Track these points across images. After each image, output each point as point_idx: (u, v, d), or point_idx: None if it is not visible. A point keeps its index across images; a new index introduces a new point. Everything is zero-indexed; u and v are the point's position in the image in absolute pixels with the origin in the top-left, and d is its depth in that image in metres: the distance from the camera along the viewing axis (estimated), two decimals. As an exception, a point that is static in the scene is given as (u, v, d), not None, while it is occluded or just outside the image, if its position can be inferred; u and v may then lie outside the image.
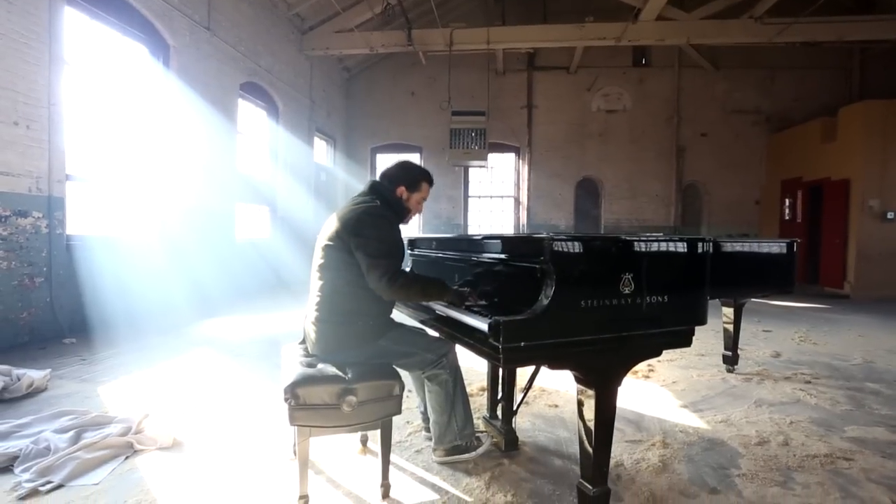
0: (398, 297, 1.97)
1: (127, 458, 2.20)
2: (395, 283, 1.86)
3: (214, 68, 6.65)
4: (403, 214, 2.15)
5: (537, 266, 1.62)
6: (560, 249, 1.55)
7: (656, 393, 3.24)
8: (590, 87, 11.02)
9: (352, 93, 11.63)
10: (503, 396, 2.42)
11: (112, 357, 3.90)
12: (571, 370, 1.68)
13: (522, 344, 1.51)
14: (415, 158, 11.63)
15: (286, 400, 1.72)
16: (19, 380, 2.97)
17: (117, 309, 4.98)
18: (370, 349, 1.96)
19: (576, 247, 1.58)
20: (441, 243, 2.55)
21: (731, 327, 3.59)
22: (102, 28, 5.15)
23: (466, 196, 11.65)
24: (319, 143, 10.45)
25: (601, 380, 1.69)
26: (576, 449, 2.38)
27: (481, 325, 1.64)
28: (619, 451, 2.34)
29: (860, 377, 3.63)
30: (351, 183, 11.52)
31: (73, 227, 4.71)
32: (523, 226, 11.35)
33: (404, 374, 2.05)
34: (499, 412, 2.51)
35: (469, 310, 1.86)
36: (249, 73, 7.50)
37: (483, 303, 1.98)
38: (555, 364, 1.63)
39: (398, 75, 11.40)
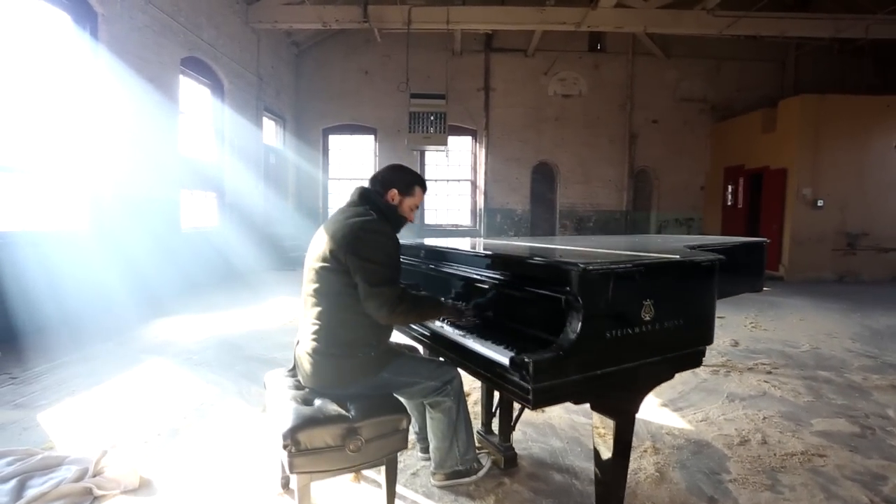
0: (395, 323, 1.86)
1: (87, 507, 1.94)
2: (394, 311, 1.71)
3: (151, 41, 5.98)
4: (399, 224, 1.98)
5: (561, 296, 1.53)
6: (589, 279, 1.46)
7: (636, 391, 3.30)
8: (546, 71, 11.01)
9: (301, 70, 10.97)
10: (499, 409, 2.36)
11: (49, 373, 3.47)
12: (593, 403, 1.62)
13: (553, 383, 1.43)
14: (369, 141, 11.27)
15: (285, 447, 1.54)
16: (-61, 412, 2.57)
17: (49, 313, 4.47)
18: (371, 382, 1.81)
19: (603, 276, 1.49)
20: (433, 254, 2.39)
21: (700, 322, 3.71)
22: (14, -9, 4.45)
23: (423, 180, 11.40)
24: (268, 124, 9.82)
25: (621, 409, 1.64)
26: (572, 460, 2.39)
27: (501, 358, 1.54)
28: (615, 461, 2.35)
29: (812, 365, 3.89)
30: (302, 165, 10.99)
31: (-11, 224, 4.13)
32: (480, 210, 11.33)
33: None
34: (493, 425, 2.45)
35: (482, 337, 1.74)
36: (191, 46, 6.83)
37: (477, 321, 1.88)
38: (580, 399, 1.56)
39: (350, 53, 10.87)
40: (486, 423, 2.47)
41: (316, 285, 1.78)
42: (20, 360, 3.73)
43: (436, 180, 11.50)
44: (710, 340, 1.85)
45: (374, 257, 1.71)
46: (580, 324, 1.46)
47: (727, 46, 10.39)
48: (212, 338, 4.49)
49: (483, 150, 11.17)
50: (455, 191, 11.57)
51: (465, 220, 11.58)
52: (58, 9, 4.91)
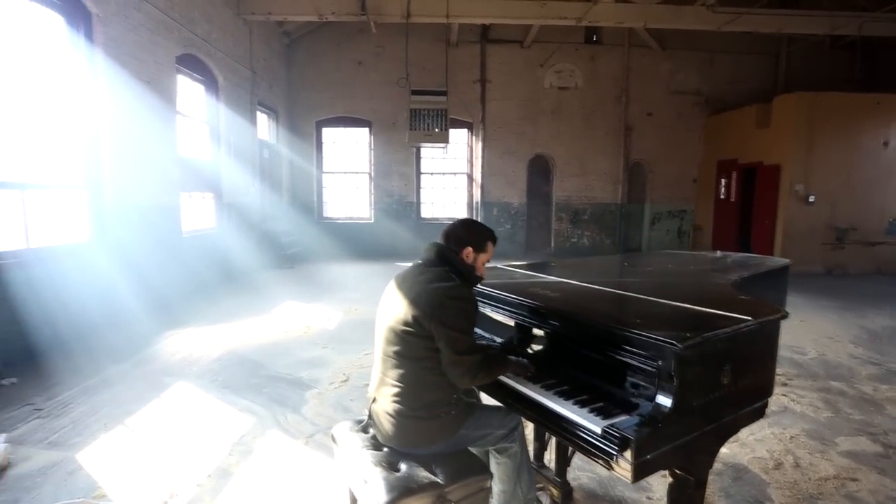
0: (472, 387, 1.94)
1: (161, 567, 1.94)
2: (475, 377, 1.76)
3: (146, 40, 5.72)
4: (476, 283, 1.98)
5: (653, 369, 1.56)
6: (685, 357, 1.49)
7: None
8: (543, 63, 10.92)
9: (293, 61, 10.66)
10: (554, 443, 2.41)
11: (72, 402, 3.40)
12: (677, 467, 1.67)
13: (650, 456, 1.47)
14: (363, 134, 11.08)
15: (383, 520, 1.56)
16: (-23, 460, 2.50)
17: (61, 331, 4.36)
18: (452, 440, 1.83)
19: (695, 352, 1.53)
20: (496, 299, 2.30)
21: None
22: (6, -6, 4.19)
23: (419, 173, 11.34)
24: (261, 118, 9.55)
25: (700, 466, 1.70)
26: (622, 491, 2.46)
27: (590, 426, 1.58)
28: (663, 492, 2.44)
29: (823, 375, 4.06)
30: (296, 160, 10.77)
31: (-6, 244, 3.96)
32: (477, 203, 11.31)
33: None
34: (546, 458, 2.51)
35: (559, 395, 1.77)
36: (185, 43, 6.56)
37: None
38: (667, 466, 1.61)
39: (343, 43, 10.60)
40: (539, 457, 2.53)
41: (397, 348, 1.77)
42: (39, 387, 3.64)
43: (431, 174, 11.42)
44: (771, 392, 1.92)
45: (460, 325, 1.72)
46: (673, 397, 1.50)
47: (721, 39, 10.41)
48: (230, 354, 4.44)
49: (479, 143, 11.10)
50: (451, 184, 11.51)
51: (461, 213, 11.55)
52: (51, 10, 4.65)
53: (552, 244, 11.50)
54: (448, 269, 1.86)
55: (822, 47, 10.60)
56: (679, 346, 1.47)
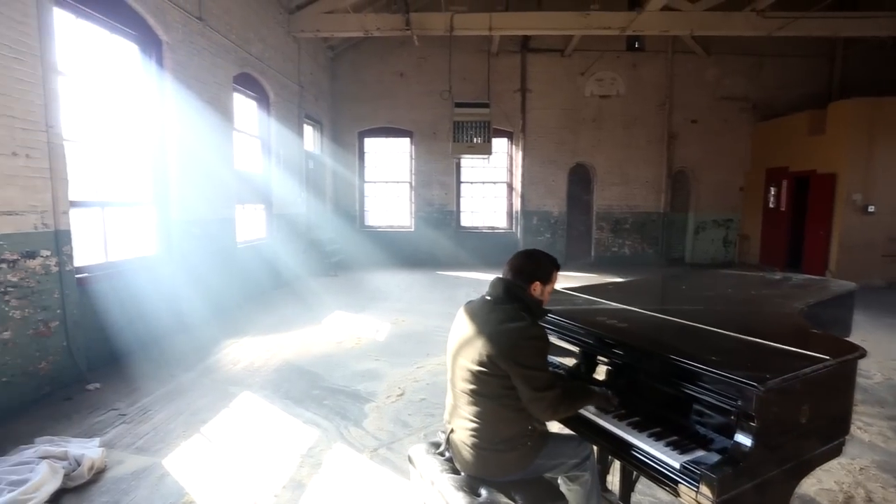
0: (555, 419, 1.95)
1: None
2: (557, 411, 1.83)
3: (208, 62, 6.07)
4: (543, 315, 2.04)
5: (731, 407, 1.59)
6: (766, 399, 1.52)
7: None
8: (584, 72, 10.85)
9: (337, 73, 10.99)
10: (618, 468, 2.45)
11: (151, 408, 3.66)
12: (754, 503, 1.69)
13: (731, 495, 1.50)
14: (405, 144, 11.28)
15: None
16: (79, 464, 2.74)
17: (135, 341, 4.70)
18: (528, 469, 1.91)
19: (775, 393, 1.55)
20: (568, 328, 2.35)
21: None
22: (90, 27, 4.55)
23: (459, 182, 11.46)
24: (307, 129, 9.89)
25: (777, 502, 1.72)
26: (685, 519, 2.46)
27: (670, 461, 1.62)
28: (728, 521, 2.43)
29: (891, 402, 3.90)
30: (339, 170, 11.08)
31: (79, 259, 4.29)
32: (517, 212, 11.33)
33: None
34: (608, 481, 2.55)
35: (634, 427, 1.82)
36: (242, 63, 6.91)
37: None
38: (745, 503, 1.63)
39: (386, 55, 10.84)
40: (602, 479, 2.56)
41: (473, 386, 1.85)
42: (118, 392, 3.93)
43: (471, 182, 11.52)
44: (848, 430, 1.91)
45: (537, 364, 1.79)
46: (753, 437, 1.53)
47: (770, 42, 10.04)
48: (288, 365, 4.64)
49: (519, 153, 11.12)
50: (491, 193, 11.57)
51: (501, 222, 11.60)
52: (127, 40, 5.01)
53: (592, 253, 11.39)
54: (517, 305, 1.90)
55: (882, 48, 10.09)
56: (760, 388, 1.51)
